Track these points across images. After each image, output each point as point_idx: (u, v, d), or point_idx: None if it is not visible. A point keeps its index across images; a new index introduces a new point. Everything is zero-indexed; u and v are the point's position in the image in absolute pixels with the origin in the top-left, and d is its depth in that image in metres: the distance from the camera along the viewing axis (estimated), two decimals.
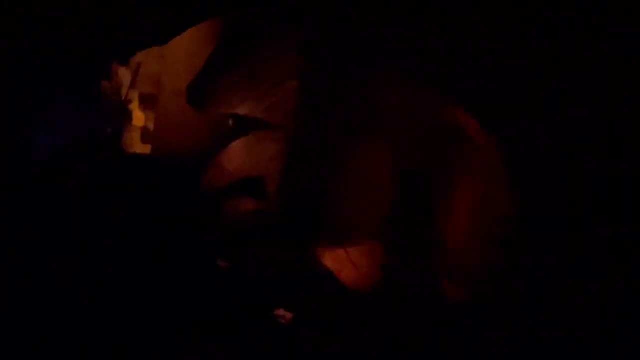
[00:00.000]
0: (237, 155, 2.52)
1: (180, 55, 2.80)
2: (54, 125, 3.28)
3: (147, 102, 2.77)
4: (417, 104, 2.03)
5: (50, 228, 2.38)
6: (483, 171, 1.92)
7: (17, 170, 3.09)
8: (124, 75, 3.06)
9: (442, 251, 1.93)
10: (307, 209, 2.20)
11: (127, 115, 3.04)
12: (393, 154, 1.99)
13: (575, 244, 1.86)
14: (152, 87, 2.84)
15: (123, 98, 3.08)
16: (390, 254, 2.05)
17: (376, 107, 2.03)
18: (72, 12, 3.70)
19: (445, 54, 1.90)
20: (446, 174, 1.95)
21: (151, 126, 2.68)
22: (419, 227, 2.00)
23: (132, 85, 2.93)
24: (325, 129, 2.29)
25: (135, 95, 2.95)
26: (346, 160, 2.14)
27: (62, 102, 3.33)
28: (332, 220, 2.11)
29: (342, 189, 2.11)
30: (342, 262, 2.11)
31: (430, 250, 1.95)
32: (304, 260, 2.18)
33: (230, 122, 2.66)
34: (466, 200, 1.91)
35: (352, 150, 2.12)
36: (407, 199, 2.01)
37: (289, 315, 2.15)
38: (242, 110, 2.54)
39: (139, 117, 2.76)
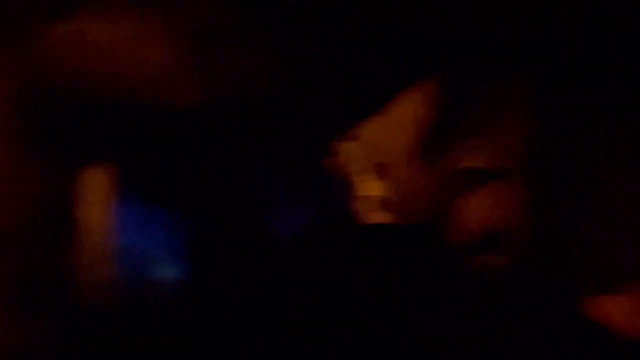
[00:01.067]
0: (474, 210, 2.44)
1: (401, 120, 2.83)
2: (293, 205, 3.44)
3: (382, 171, 2.82)
4: None
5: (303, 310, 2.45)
6: None
7: (262, 252, 3.27)
8: (349, 149, 3.17)
9: None
10: (564, 257, 2.04)
11: (354, 188, 3.12)
12: None
13: None
14: (380, 155, 2.89)
15: (349, 171, 3.17)
16: None
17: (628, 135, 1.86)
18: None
19: None
20: None
21: (390, 194, 2.71)
22: None
23: (360, 157, 3.02)
24: (568, 168, 2.14)
25: (360, 167, 3.03)
26: (599, 197, 1.98)
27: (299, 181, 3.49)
28: (593, 265, 1.93)
29: (600, 229, 1.94)
30: (615, 311, 1.92)
31: None
32: (567, 314, 2.02)
33: (463, 176, 2.61)
34: None
35: (604, 186, 1.95)
36: None
37: None
38: (473, 163, 2.48)
39: (374, 187, 2.80)
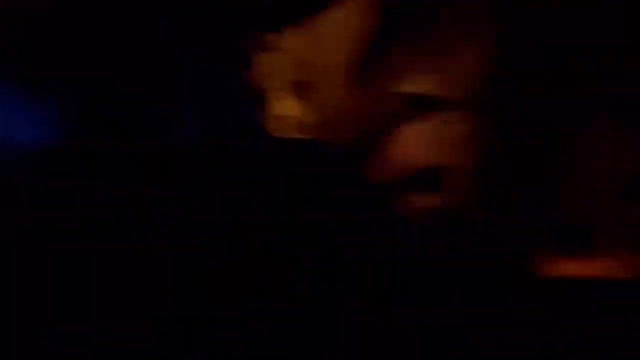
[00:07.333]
0: (410, 143, 2.15)
1: (333, 32, 2.49)
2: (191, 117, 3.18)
3: (301, 89, 2.48)
4: None
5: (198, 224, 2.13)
6: None
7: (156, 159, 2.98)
8: (270, 61, 2.79)
9: None
10: (512, 207, 1.79)
11: (268, 105, 2.78)
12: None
13: None
14: (304, 72, 2.54)
15: (267, 86, 2.82)
16: None
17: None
18: None
19: None
20: None
21: (309, 117, 2.38)
22: None
23: (280, 72, 2.66)
24: (527, 104, 1.88)
25: (280, 82, 2.68)
26: (565, 141, 1.72)
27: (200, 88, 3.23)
28: (557, 220, 1.69)
29: (564, 178, 1.69)
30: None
31: None
32: (513, 270, 1.78)
33: (401, 102, 2.31)
34: None
35: (574, 130, 1.70)
36: None
37: None
38: (413, 87, 2.17)
39: (291, 107, 2.46)
